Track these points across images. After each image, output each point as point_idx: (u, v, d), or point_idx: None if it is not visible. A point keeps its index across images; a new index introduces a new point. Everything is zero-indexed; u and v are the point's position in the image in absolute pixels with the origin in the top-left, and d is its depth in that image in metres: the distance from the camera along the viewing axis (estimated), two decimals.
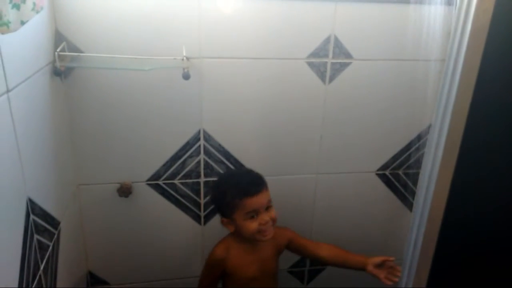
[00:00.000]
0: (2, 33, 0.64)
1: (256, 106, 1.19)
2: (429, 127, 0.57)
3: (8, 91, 0.73)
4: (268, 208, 1.08)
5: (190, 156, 1.22)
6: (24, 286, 0.78)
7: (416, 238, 0.59)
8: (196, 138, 1.20)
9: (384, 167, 1.35)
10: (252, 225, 1.06)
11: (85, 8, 1.01)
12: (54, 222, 0.97)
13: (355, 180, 1.35)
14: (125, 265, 1.32)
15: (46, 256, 0.90)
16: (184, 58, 1.06)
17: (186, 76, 1.05)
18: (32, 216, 0.83)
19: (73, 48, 1.04)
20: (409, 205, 1.43)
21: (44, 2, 0.83)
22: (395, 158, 1.34)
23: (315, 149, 1.28)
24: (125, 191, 1.20)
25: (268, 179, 1.12)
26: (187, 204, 1.28)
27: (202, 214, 1.30)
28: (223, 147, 1.23)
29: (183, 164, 1.22)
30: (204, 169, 1.24)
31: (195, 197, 1.27)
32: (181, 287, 1.39)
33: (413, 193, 1.39)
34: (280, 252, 1.21)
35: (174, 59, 1.06)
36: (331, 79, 1.20)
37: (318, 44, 1.15)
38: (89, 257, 1.28)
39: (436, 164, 0.55)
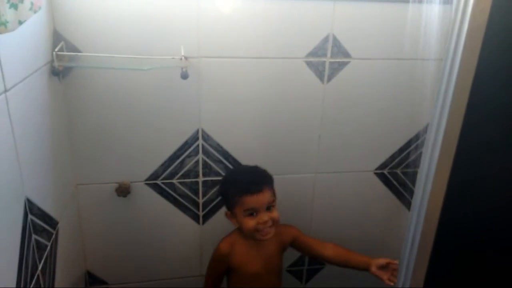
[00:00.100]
0: (0, 33, 0.64)
1: (254, 105, 1.20)
2: (427, 126, 0.58)
3: (6, 91, 0.73)
4: (270, 208, 1.08)
5: (189, 156, 1.22)
6: (22, 286, 0.78)
7: (413, 237, 0.60)
8: (194, 138, 1.20)
9: (383, 166, 1.35)
10: (250, 223, 1.06)
11: (83, 8, 1.01)
12: (52, 222, 0.97)
13: (354, 179, 1.35)
14: (124, 264, 1.32)
15: (44, 256, 0.90)
16: (183, 57, 1.06)
17: (185, 76, 1.05)
18: (30, 216, 0.83)
19: (71, 47, 1.04)
20: (407, 204, 1.43)
21: (42, 2, 0.83)
22: (393, 157, 1.35)
23: (313, 149, 1.28)
24: (123, 190, 1.20)
25: None
26: (186, 203, 1.28)
27: (201, 213, 1.30)
28: (221, 147, 1.23)
29: (182, 163, 1.22)
30: (202, 168, 1.24)
31: (193, 196, 1.27)
32: (180, 286, 1.39)
33: (411, 192, 1.40)
34: (284, 249, 1.22)
35: (173, 58, 1.06)
36: (329, 79, 1.20)
37: (316, 43, 1.15)
38: (88, 257, 1.28)
39: (433, 163, 0.55)
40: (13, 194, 0.76)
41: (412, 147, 1.34)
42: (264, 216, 1.06)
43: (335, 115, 1.25)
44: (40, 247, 0.88)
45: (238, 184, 1.09)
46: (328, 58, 1.18)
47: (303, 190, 1.33)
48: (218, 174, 1.26)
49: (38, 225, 0.87)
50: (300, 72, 1.18)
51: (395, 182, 1.39)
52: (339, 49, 1.17)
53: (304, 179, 1.32)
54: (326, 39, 1.15)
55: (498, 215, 0.61)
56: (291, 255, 1.41)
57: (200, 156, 1.23)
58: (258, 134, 1.23)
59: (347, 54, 1.18)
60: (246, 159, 1.25)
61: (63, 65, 1.01)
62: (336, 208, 1.38)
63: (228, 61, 1.13)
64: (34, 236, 0.85)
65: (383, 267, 1.08)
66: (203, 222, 1.32)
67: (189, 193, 1.27)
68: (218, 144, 1.22)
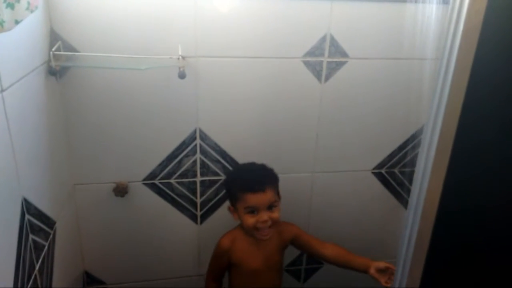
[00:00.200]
0: None
1: (252, 105, 1.20)
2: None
3: (2, 90, 0.73)
4: (271, 207, 1.08)
5: (186, 156, 1.22)
6: (19, 286, 0.77)
7: (409, 235, 0.60)
8: (192, 138, 1.20)
9: (380, 165, 1.36)
10: (250, 220, 1.07)
11: (80, 7, 1.01)
12: (49, 222, 0.97)
13: (351, 179, 1.35)
14: (122, 264, 1.32)
15: (42, 256, 0.90)
16: (180, 57, 1.06)
17: (182, 75, 1.05)
18: (27, 216, 0.83)
19: (69, 47, 1.03)
20: (405, 203, 1.43)
21: (39, 2, 0.83)
22: (391, 156, 1.35)
23: (311, 148, 1.29)
24: (121, 190, 1.20)
25: None
26: (184, 203, 1.28)
27: (199, 213, 1.30)
28: (219, 146, 1.23)
29: (179, 163, 1.22)
30: (200, 168, 1.24)
31: (191, 196, 1.27)
32: (178, 286, 1.39)
33: (409, 192, 1.40)
34: (285, 247, 1.22)
35: (170, 58, 1.06)
36: (327, 78, 1.20)
37: (314, 43, 1.15)
38: (85, 256, 1.28)
39: (429, 162, 0.55)
40: (10, 194, 0.76)
41: (410, 146, 1.34)
42: (264, 216, 1.06)
43: (332, 115, 1.25)
44: (38, 247, 0.88)
45: (242, 181, 1.09)
46: (325, 58, 1.18)
47: (301, 190, 1.33)
48: (216, 174, 1.26)
49: (35, 225, 0.87)
50: (297, 72, 1.18)
51: (392, 182, 1.39)
52: (336, 49, 1.17)
53: (302, 178, 1.32)
54: (323, 39, 1.15)
55: (494, 214, 0.61)
56: (289, 255, 1.42)
57: (198, 155, 1.23)
58: (255, 134, 1.23)
59: (344, 54, 1.18)
60: (243, 159, 1.25)
61: (60, 64, 1.00)
62: (334, 208, 1.39)
63: (225, 61, 1.13)
64: (31, 236, 0.85)
65: (381, 271, 1.09)
66: (201, 222, 1.32)
67: (187, 193, 1.27)
68: (215, 144, 1.22)
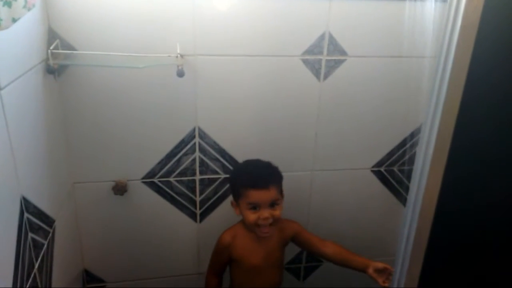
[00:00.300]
0: None
1: (251, 103, 1.19)
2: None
3: (0, 89, 0.73)
4: (274, 205, 1.09)
5: (185, 154, 1.22)
6: (18, 285, 0.77)
7: (408, 233, 0.60)
8: (191, 136, 1.20)
9: (379, 163, 1.36)
10: (252, 217, 1.08)
11: (78, 5, 1.01)
12: (48, 220, 0.97)
13: (351, 177, 1.35)
14: (121, 263, 1.32)
15: (41, 255, 0.90)
16: (178, 55, 1.06)
17: (181, 74, 1.05)
18: (26, 215, 0.83)
19: (67, 46, 1.03)
20: (404, 202, 1.43)
21: (36, 0, 0.83)
22: (390, 154, 1.35)
23: (310, 146, 1.29)
24: (120, 189, 1.20)
25: None
26: (183, 201, 1.28)
27: (198, 212, 1.30)
28: (218, 145, 1.23)
29: (178, 161, 1.22)
30: (199, 166, 1.24)
31: (190, 194, 1.27)
32: (177, 284, 1.39)
33: (408, 190, 1.40)
34: (286, 243, 1.23)
35: (169, 56, 1.06)
36: (325, 76, 1.20)
37: (312, 41, 1.15)
38: (85, 255, 1.28)
39: (427, 160, 0.55)
40: (9, 192, 0.76)
41: (409, 144, 1.34)
42: (266, 213, 1.07)
43: (331, 113, 1.25)
44: (37, 246, 0.88)
45: (246, 177, 1.10)
46: (324, 56, 1.18)
47: (300, 188, 1.33)
48: (215, 172, 1.26)
49: (34, 224, 0.87)
50: (296, 70, 1.18)
51: (392, 180, 1.39)
52: (335, 47, 1.17)
53: (301, 176, 1.32)
54: (322, 37, 1.15)
55: (492, 212, 0.61)
56: (289, 253, 1.42)
57: (197, 154, 1.22)
58: (254, 132, 1.23)
59: (343, 52, 1.18)
60: (242, 157, 1.25)
61: (58, 63, 1.00)
62: (333, 206, 1.39)
63: (224, 59, 1.13)
64: (30, 235, 0.85)
65: (379, 271, 1.10)
66: (200, 220, 1.32)
67: (186, 191, 1.27)
68: (214, 142, 1.22)
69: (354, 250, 1.19)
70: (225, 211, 1.31)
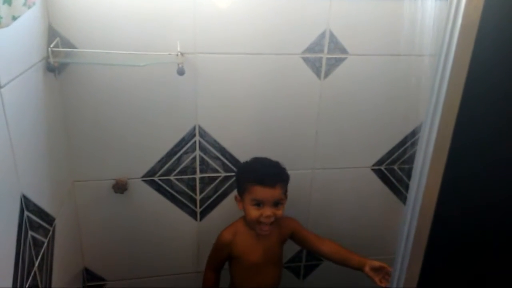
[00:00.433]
0: None
1: (251, 101, 1.19)
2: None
3: (0, 87, 0.72)
4: (277, 204, 1.09)
5: (186, 152, 1.22)
6: (18, 283, 0.78)
7: (408, 232, 0.60)
8: (191, 134, 1.20)
9: (380, 162, 1.35)
10: (254, 213, 1.08)
11: (78, 3, 1.01)
12: (49, 219, 0.97)
13: (351, 175, 1.35)
14: (121, 261, 1.32)
15: (41, 253, 0.90)
16: (179, 53, 1.06)
17: (181, 72, 1.05)
18: (26, 213, 0.83)
19: (67, 44, 1.03)
20: (404, 200, 1.43)
21: None
22: (390, 153, 1.35)
23: (310, 145, 1.28)
24: (120, 187, 1.20)
25: None
26: (183, 200, 1.28)
27: (198, 210, 1.31)
28: (218, 143, 1.23)
29: (179, 160, 1.22)
30: (199, 165, 1.24)
31: (190, 193, 1.27)
32: (177, 282, 1.39)
33: (408, 188, 1.40)
34: (284, 240, 1.24)
35: (169, 54, 1.06)
36: (326, 75, 1.20)
37: (313, 39, 1.15)
38: (85, 253, 1.28)
39: (427, 159, 0.55)
40: (9, 190, 0.76)
41: (409, 143, 1.34)
42: (268, 211, 1.08)
43: (332, 111, 1.25)
44: (37, 244, 0.88)
45: (255, 173, 1.10)
46: (325, 54, 1.18)
47: (300, 186, 1.33)
48: (215, 171, 1.26)
49: (34, 222, 0.87)
50: (297, 68, 1.18)
51: (392, 178, 1.39)
52: (336, 45, 1.17)
53: (302, 175, 1.32)
54: (322, 35, 1.15)
55: (492, 210, 0.61)
56: (289, 251, 1.42)
57: (197, 152, 1.22)
58: (255, 130, 1.23)
59: (344, 50, 1.18)
60: (243, 156, 1.25)
61: (58, 61, 1.00)
62: (333, 204, 1.39)
63: (224, 57, 1.13)
64: (30, 233, 0.85)
65: (376, 269, 1.10)
66: (201, 219, 1.32)
67: (186, 190, 1.27)
68: (215, 141, 1.22)
69: (354, 249, 1.19)
70: (225, 209, 1.31)
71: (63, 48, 1.02)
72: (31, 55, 0.90)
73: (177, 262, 1.36)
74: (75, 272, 1.22)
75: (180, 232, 1.32)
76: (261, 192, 1.07)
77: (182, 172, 1.24)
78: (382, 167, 1.37)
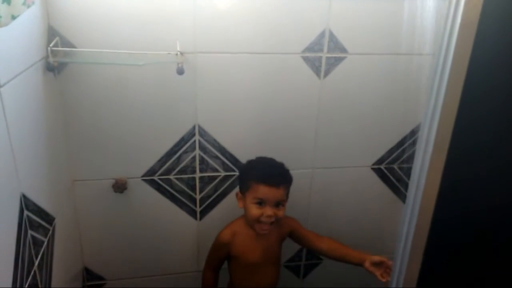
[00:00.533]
0: None
1: (251, 101, 1.19)
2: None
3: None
4: (278, 205, 1.10)
5: (185, 152, 1.22)
6: (18, 282, 0.78)
7: (407, 231, 0.60)
8: (191, 134, 1.20)
9: (379, 161, 1.35)
10: (256, 212, 1.08)
11: (78, 3, 1.01)
12: (48, 218, 0.97)
13: (351, 175, 1.35)
14: (121, 260, 1.32)
15: (41, 252, 0.90)
16: (178, 53, 1.06)
17: (180, 71, 1.05)
18: (26, 212, 0.83)
19: (66, 43, 1.03)
20: (404, 199, 1.43)
21: None
22: (390, 152, 1.35)
23: (310, 144, 1.28)
24: (120, 186, 1.20)
25: None
26: (183, 199, 1.28)
27: (198, 209, 1.31)
28: (218, 142, 1.23)
29: (178, 159, 1.22)
30: (199, 164, 1.24)
31: (190, 192, 1.27)
32: (177, 282, 1.39)
33: (407, 188, 1.40)
34: (283, 239, 1.24)
35: (168, 54, 1.06)
36: (326, 74, 1.20)
37: (313, 38, 1.15)
38: (85, 253, 1.28)
39: (426, 158, 0.55)
40: (9, 190, 0.76)
41: (409, 142, 1.34)
42: (270, 211, 1.08)
43: (332, 110, 1.25)
44: (37, 243, 0.88)
45: (260, 171, 1.11)
46: (324, 54, 1.17)
47: (300, 186, 1.33)
48: (215, 170, 1.26)
49: (34, 221, 0.87)
50: (296, 68, 1.17)
51: (392, 178, 1.39)
52: (335, 44, 1.17)
53: (301, 174, 1.32)
54: (322, 34, 1.15)
55: (491, 210, 0.61)
56: (289, 251, 1.42)
57: (197, 152, 1.22)
58: (254, 130, 1.23)
59: (343, 49, 1.18)
60: (243, 155, 1.25)
61: (58, 60, 1.00)
62: (333, 203, 1.39)
63: (224, 57, 1.13)
64: (30, 232, 0.85)
65: (377, 264, 1.10)
66: (200, 218, 1.32)
67: (186, 189, 1.27)
68: (214, 140, 1.22)
69: (353, 247, 1.19)
70: (225, 209, 1.31)
71: (62, 47, 1.02)
72: (31, 54, 0.90)
73: (177, 261, 1.36)
74: (75, 271, 1.22)
75: (180, 232, 1.32)
76: (265, 191, 1.07)
77: (181, 171, 1.24)
78: (382, 167, 1.37)
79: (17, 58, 0.82)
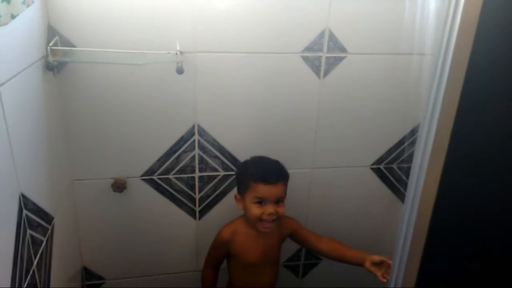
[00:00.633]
0: None
1: (250, 100, 1.19)
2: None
3: None
4: (278, 202, 1.10)
5: (185, 151, 1.22)
6: (17, 282, 0.78)
7: (406, 231, 0.60)
8: (190, 133, 1.20)
9: (379, 161, 1.36)
10: (256, 211, 1.09)
11: (77, 2, 1.01)
12: (47, 218, 0.97)
13: (350, 174, 1.35)
14: (120, 260, 1.32)
15: (40, 252, 0.90)
16: (178, 52, 1.06)
17: (180, 71, 1.05)
18: (25, 212, 0.83)
19: (66, 42, 1.03)
20: (403, 199, 1.43)
21: None
22: (389, 152, 1.35)
23: (310, 143, 1.28)
24: (119, 186, 1.19)
25: None
26: (182, 199, 1.28)
27: (197, 209, 1.31)
28: (217, 142, 1.22)
29: (178, 159, 1.22)
30: (198, 164, 1.24)
31: (190, 192, 1.27)
32: (176, 281, 1.39)
33: (406, 187, 1.40)
34: (283, 240, 1.24)
35: (168, 53, 1.06)
36: (325, 74, 1.20)
37: (312, 38, 1.15)
38: (84, 252, 1.28)
39: (425, 158, 0.55)
40: (8, 189, 0.76)
41: (408, 141, 1.34)
42: (271, 208, 1.08)
43: (331, 110, 1.25)
44: (35, 243, 0.88)
45: (258, 171, 1.11)
46: (324, 53, 1.17)
47: (299, 185, 1.33)
48: (215, 170, 1.26)
49: (33, 221, 0.87)
50: (296, 67, 1.17)
51: (391, 177, 1.39)
52: (335, 44, 1.17)
53: (301, 174, 1.32)
54: (322, 34, 1.15)
55: (491, 210, 0.61)
56: (288, 250, 1.42)
57: (196, 151, 1.22)
58: (254, 129, 1.23)
59: (343, 49, 1.18)
60: (242, 154, 1.24)
61: (57, 60, 1.00)
62: (332, 203, 1.39)
63: (224, 56, 1.13)
64: (29, 232, 0.85)
65: (377, 264, 1.10)
66: (200, 218, 1.32)
67: (186, 189, 1.27)
68: (214, 139, 1.22)
69: (353, 247, 1.19)
70: (225, 208, 1.31)
71: (62, 46, 1.02)
72: (30, 53, 0.90)
73: (176, 261, 1.36)
74: (74, 271, 1.22)
75: (179, 231, 1.32)
76: (264, 189, 1.07)
77: (181, 171, 1.24)
78: (381, 166, 1.37)
79: (17, 57, 0.82)
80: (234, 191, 1.21)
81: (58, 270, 1.03)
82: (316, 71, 1.19)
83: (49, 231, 0.97)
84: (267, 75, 1.17)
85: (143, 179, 1.23)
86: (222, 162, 1.25)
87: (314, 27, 1.14)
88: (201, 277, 1.25)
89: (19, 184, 0.80)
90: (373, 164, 1.36)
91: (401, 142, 1.34)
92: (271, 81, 1.18)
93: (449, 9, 0.49)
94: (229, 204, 1.29)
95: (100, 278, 1.33)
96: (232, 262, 1.21)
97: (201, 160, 1.24)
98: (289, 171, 1.16)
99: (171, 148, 1.20)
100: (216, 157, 1.24)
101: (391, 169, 1.38)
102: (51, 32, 1.01)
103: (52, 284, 0.98)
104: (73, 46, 1.03)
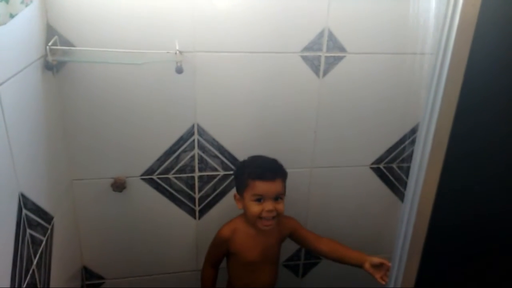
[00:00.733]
0: None
1: (250, 100, 1.19)
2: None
3: None
4: (277, 199, 1.10)
5: (184, 151, 1.22)
6: (17, 282, 0.78)
7: (405, 231, 0.60)
8: (190, 133, 1.20)
9: (378, 160, 1.36)
10: (255, 208, 1.09)
11: (76, 1, 1.00)
12: (47, 217, 0.97)
13: (350, 174, 1.35)
14: (120, 260, 1.32)
15: (39, 251, 0.90)
16: (177, 52, 1.06)
17: (179, 70, 1.05)
18: (24, 211, 0.83)
19: (65, 42, 1.03)
20: (403, 199, 1.43)
21: None
22: (389, 151, 1.35)
23: (309, 143, 1.28)
24: (119, 186, 1.19)
25: None
26: (182, 198, 1.28)
27: (197, 208, 1.31)
28: (217, 142, 1.22)
29: (177, 158, 1.22)
30: (198, 163, 1.24)
31: (189, 191, 1.27)
32: (176, 281, 1.39)
33: (406, 187, 1.40)
34: (283, 240, 1.24)
35: (167, 53, 1.06)
36: (325, 73, 1.20)
37: (312, 38, 1.15)
38: (84, 252, 1.28)
39: (425, 157, 0.55)
40: (7, 189, 0.76)
41: (408, 141, 1.34)
42: (270, 205, 1.08)
43: (330, 110, 1.25)
44: (35, 242, 0.88)
45: (254, 169, 1.11)
46: (323, 53, 1.17)
47: (299, 185, 1.33)
48: (214, 169, 1.26)
49: (32, 220, 0.87)
50: (295, 67, 1.17)
51: (391, 177, 1.39)
52: (334, 44, 1.17)
53: (300, 173, 1.32)
54: (321, 34, 1.15)
55: (490, 209, 0.61)
56: (288, 250, 1.42)
57: (196, 151, 1.22)
58: (253, 129, 1.23)
59: (342, 49, 1.18)
60: (242, 154, 1.24)
61: (56, 59, 1.00)
62: (332, 203, 1.39)
63: (223, 56, 1.13)
64: (28, 231, 0.85)
65: (376, 266, 1.10)
66: (199, 217, 1.32)
67: (185, 188, 1.27)
68: (213, 139, 1.22)
69: (352, 247, 1.19)
70: (224, 208, 1.31)
71: (61, 46, 1.02)
72: (29, 53, 0.89)
73: (176, 260, 1.36)
74: (74, 271, 1.22)
75: (179, 231, 1.32)
76: (262, 186, 1.08)
77: (180, 170, 1.24)
78: (381, 166, 1.37)
79: (16, 56, 0.82)
80: (234, 190, 1.21)
81: (58, 270, 1.03)
82: (316, 70, 1.19)
83: (48, 231, 0.97)
84: (267, 75, 1.17)
85: (142, 179, 1.23)
86: (222, 162, 1.25)
87: (313, 27, 1.14)
88: (200, 276, 1.25)
89: (18, 184, 0.80)
90: (372, 163, 1.36)
91: (400, 142, 1.34)
92: (271, 80, 1.18)
93: (448, 9, 0.49)
94: (228, 204, 1.29)
95: (100, 277, 1.33)
96: (231, 261, 1.21)
97: (201, 159, 1.24)
98: (289, 170, 1.16)
99: (171, 147, 1.20)
100: (216, 156, 1.24)
101: (391, 169, 1.38)
102: (50, 31, 1.01)
103: (52, 283, 0.98)
104: (72, 45, 1.03)
